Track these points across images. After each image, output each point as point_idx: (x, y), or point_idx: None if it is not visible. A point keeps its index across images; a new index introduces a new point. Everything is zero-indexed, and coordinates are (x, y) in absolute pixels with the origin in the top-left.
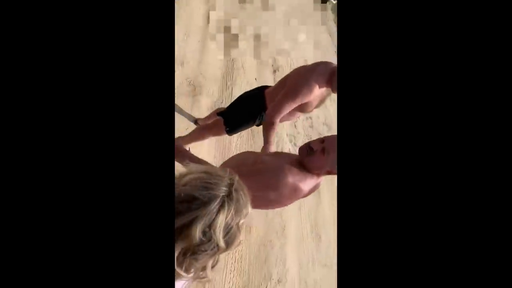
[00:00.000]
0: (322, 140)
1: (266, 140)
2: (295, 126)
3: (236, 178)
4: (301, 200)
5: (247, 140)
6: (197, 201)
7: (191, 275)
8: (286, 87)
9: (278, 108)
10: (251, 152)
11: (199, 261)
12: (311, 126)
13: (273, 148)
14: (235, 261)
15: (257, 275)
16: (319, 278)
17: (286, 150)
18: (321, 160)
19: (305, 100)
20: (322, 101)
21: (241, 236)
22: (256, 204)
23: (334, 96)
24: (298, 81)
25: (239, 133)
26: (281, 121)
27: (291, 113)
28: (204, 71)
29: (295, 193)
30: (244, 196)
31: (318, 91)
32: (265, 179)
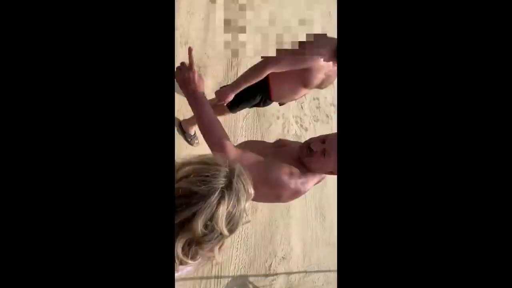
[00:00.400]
0: (323, 140)
1: (236, 83)
2: (301, 107)
3: (236, 165)
4: None
5: (253, 121)
6: (196, 195)
7: (198, 261)
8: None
9: (276, 57)
10: (254, 142)
11: (205, 249)
12: (318, 107)
13: (230, 98)
14: (241, 240)
15: (263, 252)
16: (322, 256)
17: (292, 132)
18: (320, 162)
19: (307, 65)
20: (329, 79)
21: (248, 217)
22: (255, 198)
23: None
24: (304, 45)
25: (244, 115)
26: (287, 100)
27: (296, 89)
28: (208, 50)
29: (294, 195)
30: (245, 182)
31: (322, 62)
32: (266, 181)
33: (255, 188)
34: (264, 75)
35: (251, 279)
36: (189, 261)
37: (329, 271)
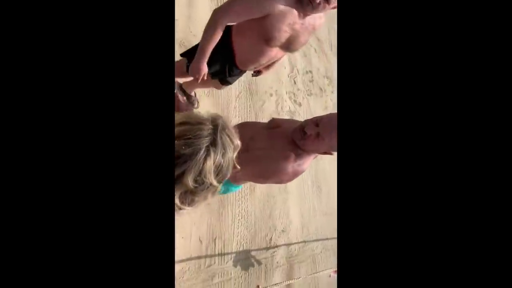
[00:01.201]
0: (316, 123)
1: (199, 51)
2: (294, 82)
3: (220, 119)
4: None
5: (246, 100)
6: (183, 156)
7: (194, 206)
8: None
9: (227, 2)
10: (248, 124)
11: (200, 197)
12: (311, 81)
13: (205, 69)
14: (242, 217)
15: (263, 227)
16: (320, 226)
17: (286, 109)
18: (315, 145)
19: (264, 10)
20: (298, 37)
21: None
22: (254, 181)
23: (334, 47)
24: None
25: (237, 95)
26: (253, 64)
27: (258, 47)
28: (194, 28)
29: (294, 177)
30: (230, 134)
31: (283, 7)
32: (264, 170)
33: (257, 181)
34: (220, 28)
35: (253, 253)
36: (187, 208)
37: (327, 239)
